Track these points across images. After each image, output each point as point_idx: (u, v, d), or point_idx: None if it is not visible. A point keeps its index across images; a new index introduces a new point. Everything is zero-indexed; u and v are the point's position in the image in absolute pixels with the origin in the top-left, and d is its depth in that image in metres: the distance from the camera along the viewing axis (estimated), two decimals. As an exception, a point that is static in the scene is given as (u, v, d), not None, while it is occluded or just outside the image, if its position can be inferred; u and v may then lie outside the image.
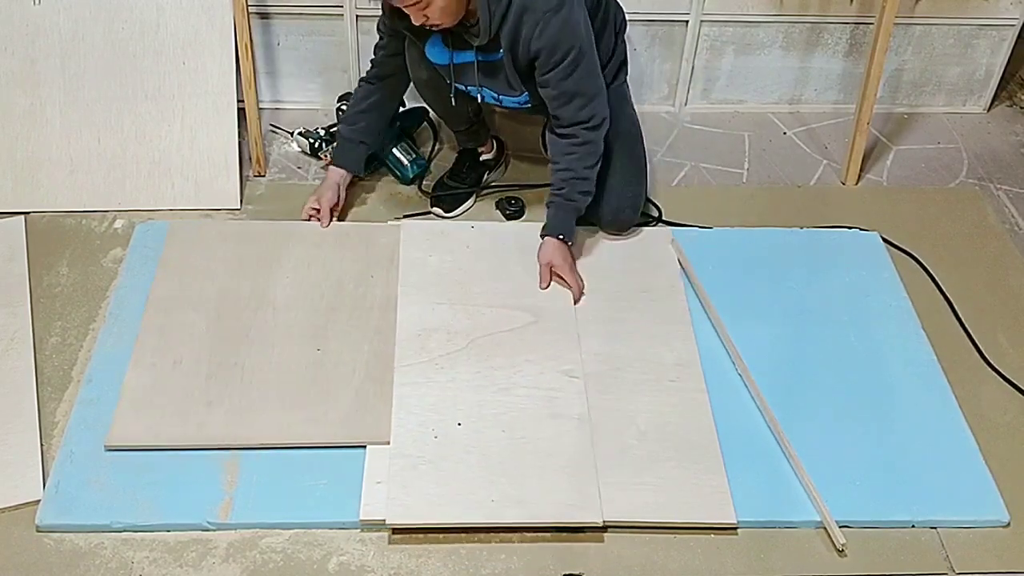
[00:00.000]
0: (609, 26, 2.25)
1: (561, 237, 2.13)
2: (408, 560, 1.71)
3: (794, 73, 2.76)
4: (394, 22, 2.09)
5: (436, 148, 2.57)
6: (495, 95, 2.17)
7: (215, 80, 2.40)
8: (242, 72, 2.39)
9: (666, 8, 2.60)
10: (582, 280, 2.15)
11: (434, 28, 1.96)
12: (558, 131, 2.11)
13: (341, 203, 2.32)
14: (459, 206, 2.39)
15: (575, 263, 2.18)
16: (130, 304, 2.08)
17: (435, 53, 2.10)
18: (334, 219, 2.30)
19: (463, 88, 2.17)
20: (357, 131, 2.30)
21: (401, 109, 2.48)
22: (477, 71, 2.09)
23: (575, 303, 2.11)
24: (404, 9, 1.91)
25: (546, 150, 2.55)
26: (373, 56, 2.25)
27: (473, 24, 1.99)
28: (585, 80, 2.03)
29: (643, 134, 2.36)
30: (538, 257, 2.17)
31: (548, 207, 2.16)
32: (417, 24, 1.94)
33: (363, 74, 2.29)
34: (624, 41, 2.35)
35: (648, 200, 2.42)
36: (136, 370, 1.93)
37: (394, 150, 2.44)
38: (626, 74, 2.40)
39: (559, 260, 2.13)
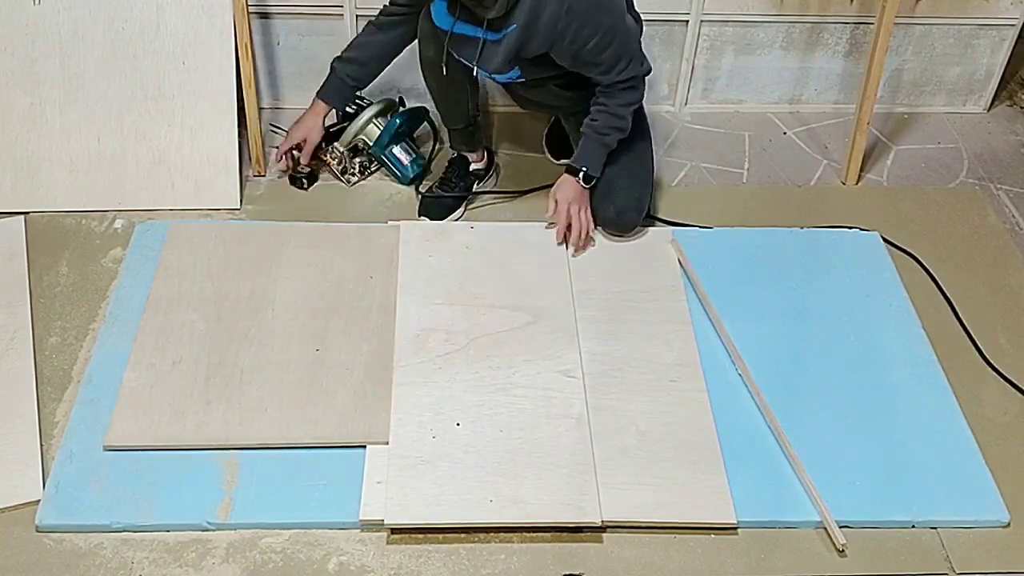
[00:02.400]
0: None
1: (585, 170, 2.15)
2: (408, 560, 1.71)
3: (794, 73, 2.76)
4: None
5: (436, 148, 2.57)
6: (487, 71, 2.14)
7: (215, 80, 2.40)
8: (242, 72, 2.39)
9: (666, 8, 2.60)
10: (590, 229, 2.20)
11: None
12: (601, 90, 2.13)
13: (317, 138, 2.36)
14: (447, 215, 2.37)
15: (587, 203, 2.21)
16: (130, 304, 2.08)
17: (439, 15, 2.08)
18: (300, 157, 2.38)
19: (457, 58, 2.14)
20: (351, 71, 2.29)
21: (401, 109, 2.48)
22: (481, 48, 2.06)
23: (576, 248, 2.19)
24: None
25: (550, 151, 2.55)
26: (387, 3, 2.27)
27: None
28: (623, 47, 2.05)
29: (652, 137, 2.36)
30: (553, 192, 2.20)
31: (581, 137, 2.17)
32: None
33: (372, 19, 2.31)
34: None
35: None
36: (135, 370, 1.93)
37: (394, 149, 2.43)
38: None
39: (575, 197, 2.17)
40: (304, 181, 2.45)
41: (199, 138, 2.39)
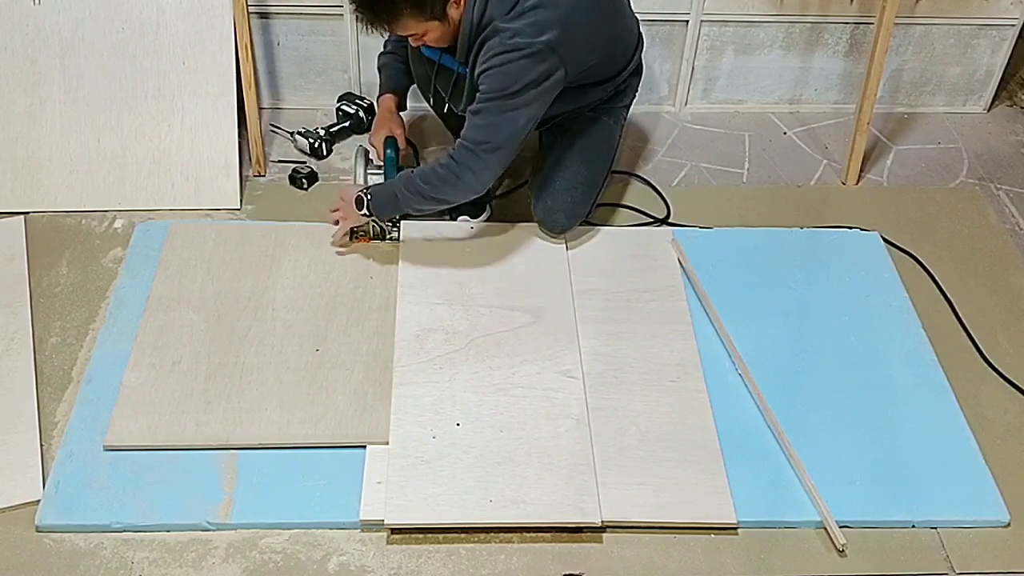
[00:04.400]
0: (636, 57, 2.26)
1: (369, 198, 2.07)
2: (408, 560, 1.71)
3: (794, 73, 2.76)
4: None
5: (420, 157, 2.49)
6: (458, 110, 2.15)
7: (215, 80, 2.40)
8: (242, 72, 2.39)
9: (666, 8, 2.60)
10: (344, 232, 2.18)
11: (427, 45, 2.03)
12: (457, 137, 2.03)
13: (401, 129, 2.30)
14: (481, 212, 2.33)
15: (356, 220, 2.15)
16: (130, 304, 2.08)
17: (427, 48, 2.11)
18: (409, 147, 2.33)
19: (441, 93, 2.19)
20: (403, 59, 2.29)
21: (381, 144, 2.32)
22: (454, 81, 2.10)
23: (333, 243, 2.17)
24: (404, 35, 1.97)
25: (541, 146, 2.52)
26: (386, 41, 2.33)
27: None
28: (503, 116, 1.95)
29: (614, 160, 2.33)
30: (339, 193, 2.18)
31: (399, 175, 2.11)
32: (414, 45, 2.01)
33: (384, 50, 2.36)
34: (641, 62, 2.32)
35: (660, 196, 2.44)
36: (135, 370, 1.93)
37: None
38: (634, 95, 2.35)
39: (347, 206, 2.12)
40: (304, 181, 2.45)
41: (199, 138, 2.39)
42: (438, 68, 2.13)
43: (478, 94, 1.97)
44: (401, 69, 2.31)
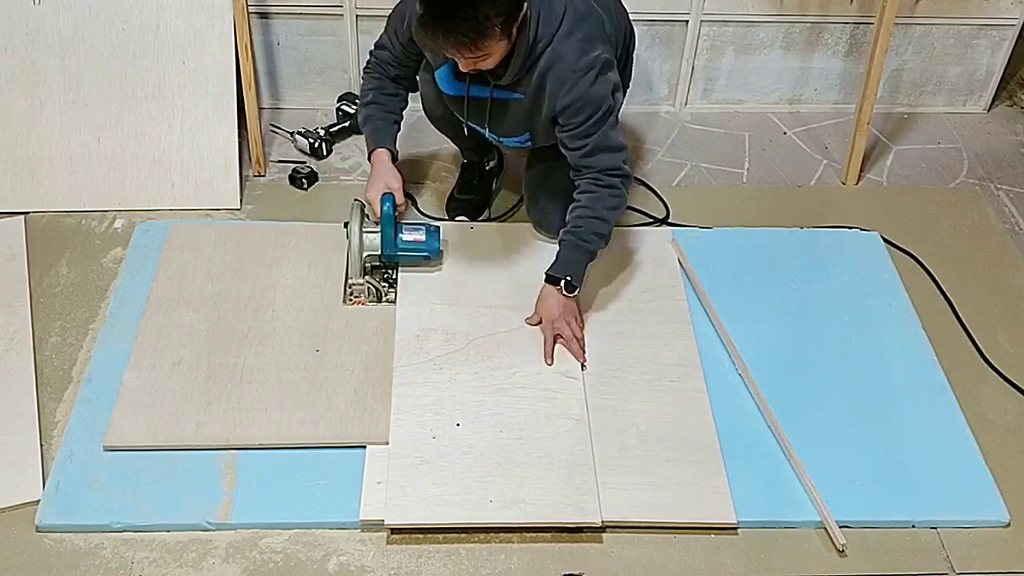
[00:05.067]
0: (630, 50, 2.24)
1: (568, 279, 1.97)
2: (408, 560, 1.70)
3: (794, 73, 2.76)
4: (410, 51, 2.04)
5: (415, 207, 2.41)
6: (496, 136, 2.11)
7: (215, 80, 2.40)
8: (242, 72, 2.39)
9: (666, 8, 2.60)
10: (583, 335, 2.01)
11: (474, 71, 1.87)
12: (581, 177, 2.00)
13: (399, 183, 2.10)
14: (481, 214, 2.35)
15: (581, 316, 2.04)
16: (130, 304, 2.08)
17: (446, 82, 2.03)
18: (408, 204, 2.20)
19: (474, 127, 2.11)
20: (386, 110, 2.14)
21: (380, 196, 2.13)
22: (490, 108, 2.01)
23: (582, 365, 1.98)
24: (458, 60, 1.82)
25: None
26: (380, 58, 2.12)
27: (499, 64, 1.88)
28: (609, 134, 1.95)
29: None
30: (536, 305, 2.03)
31: (559, 245, 2.01)
32: (464, 71, 1.85)
33: (369, 68, 2.15)
34: (632, 59, 2.31)
35: (658, 197, 2.44)
36: (135, 370, 1.93)
37: (402, 237, 2.10)
38: (624, 93, 2.31)
39: (557, 312, 1.99)
40: (304, 181, 2.45)
41: (199, 138, 2.39)
42: (468, 101, 2.03)
43: (574, 128, 1.92)
44: (388, 118, 2.15)
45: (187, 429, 1.84)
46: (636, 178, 2.53)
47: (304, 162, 2.51)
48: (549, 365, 1.98)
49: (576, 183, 2.00)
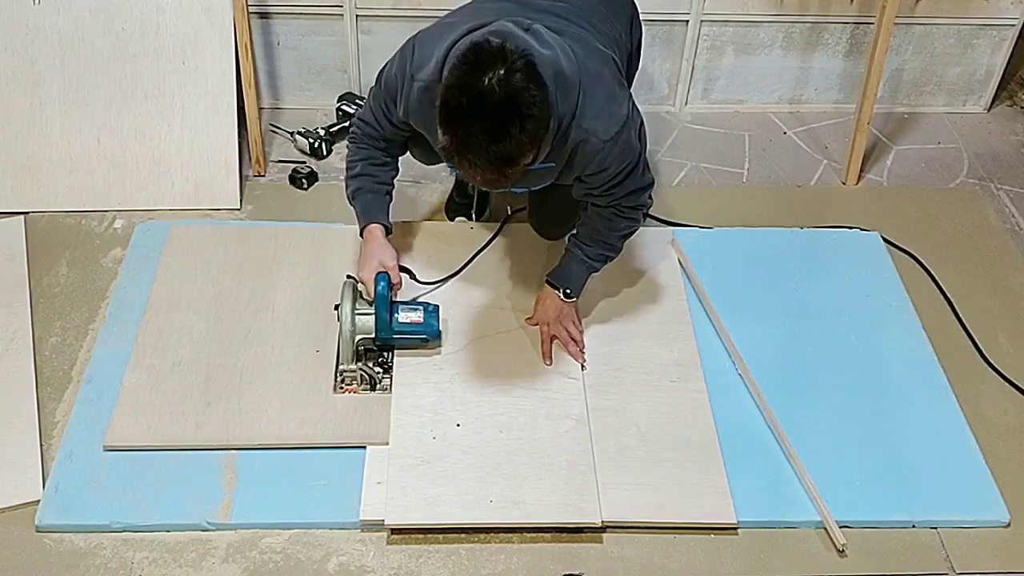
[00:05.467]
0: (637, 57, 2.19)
1: (568, 290, 1.97)
2: (408, 560, 1.71)
3: (794, 73, 2.76)
4: (402, 130, 1.90)
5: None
6: (515, 191, 2.01)
7: (215, 80, 2.40)
8: (242, 72, 2.39)
9: (666, 8, 2.60)
10: (582, 336, 2.01)
11: None
12: (600, 206, 1.90)
13: (393, 261, 1.96)
14: (480, 216, 2.34)
15: (580, 319, 2.03)
16: (130, 304, 2.08)
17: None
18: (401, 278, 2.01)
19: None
20: (380, 181, 1.99)
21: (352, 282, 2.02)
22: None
23: (581, 366, 1.98)
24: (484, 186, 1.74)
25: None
26: (366, 132, 1.95)
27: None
28: (639, 179, 1.84)
29: None
30: (534, 310, 2.04)
31: (565, 252, 1.99)
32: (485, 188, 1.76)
33: (354, 137, 1.98)
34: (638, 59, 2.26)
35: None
36: (135, 371, 1.93)
37: (400, 318, 1.96)
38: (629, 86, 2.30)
39: (554, 315, 1.99)
40: (304, 181, 2.45)
41: (199, 138, 2.39)
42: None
43: (602, 184, 1.81)
44: (379, 190, 1.98)
45: (187, 429, 1.84)
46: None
47: (304, 162, 2.51)
48: (548, 366, 1.98)
49: (594, 210, 1.92)
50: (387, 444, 1.83)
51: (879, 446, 1.89)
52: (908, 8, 2.63)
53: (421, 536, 1.74)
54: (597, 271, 2.00)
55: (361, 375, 1.93)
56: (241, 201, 2.40)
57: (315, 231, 2.27)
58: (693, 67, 2.72)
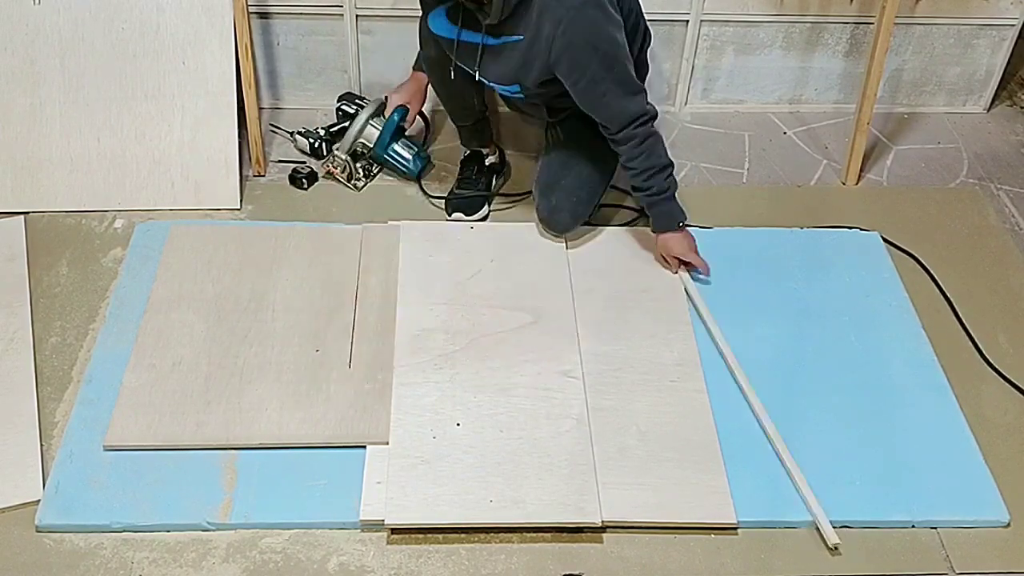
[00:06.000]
0: (644, 49, 2.25)
1: (680, 223, 2.15)
2: (408, 560, 1.71)
3: (794, 73, 2.76)
4: None
5: (429, 140, 2.57)
6: (487, 80, 2.13)
7: (215, 80, 2.40)
8: (242, 72, 2.39)
9: (666, 8, 2.60)
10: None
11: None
12: (613, 139, 2.08)
13: (419, 106, 2.43)
14: (479, 210, 2.36)
15: (695, 242, 2.19)
16: (130, 304, 2.08)
17: (439, 24, 2.07)
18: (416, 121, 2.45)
19: (464, 68, 2.13)
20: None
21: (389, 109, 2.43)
22: (481, 53, 2.05)
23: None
24: None
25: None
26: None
27: (488, 2, 1.91)
28: (622, 81, 1.99)
29: (619, 162, 2.28)
30: (657, 250, 2.20)
31: (647, 209, 2.17)
32: None
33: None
34: (647, 61, 2.32)
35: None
36: (135, 370, 1.93)
37: (396, 147, 2.42)
38: None
39: (681, 249, 2.16)
40: (304, 181, 2.45)
41: (199, 138, 2.39)
42: (458, 44, 2.06)
43: (587, 80, 1.97)
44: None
45: (187, 429, 1.84)
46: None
47: (304, 162, 2.51)
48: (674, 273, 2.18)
49: (618, 151, 2.10)
50: (387, 444, 1.83)
51: (879, 446, 1.89)
52: (908, 8, 2.63)
53: (421, 536, 1.74)
54: (665, 189, 2.12)
55: (345, 165, 2.40)
56: (241, 201, 2.40)
57: (315, 231, 2.27)
58: (693, 67, 2.72)
